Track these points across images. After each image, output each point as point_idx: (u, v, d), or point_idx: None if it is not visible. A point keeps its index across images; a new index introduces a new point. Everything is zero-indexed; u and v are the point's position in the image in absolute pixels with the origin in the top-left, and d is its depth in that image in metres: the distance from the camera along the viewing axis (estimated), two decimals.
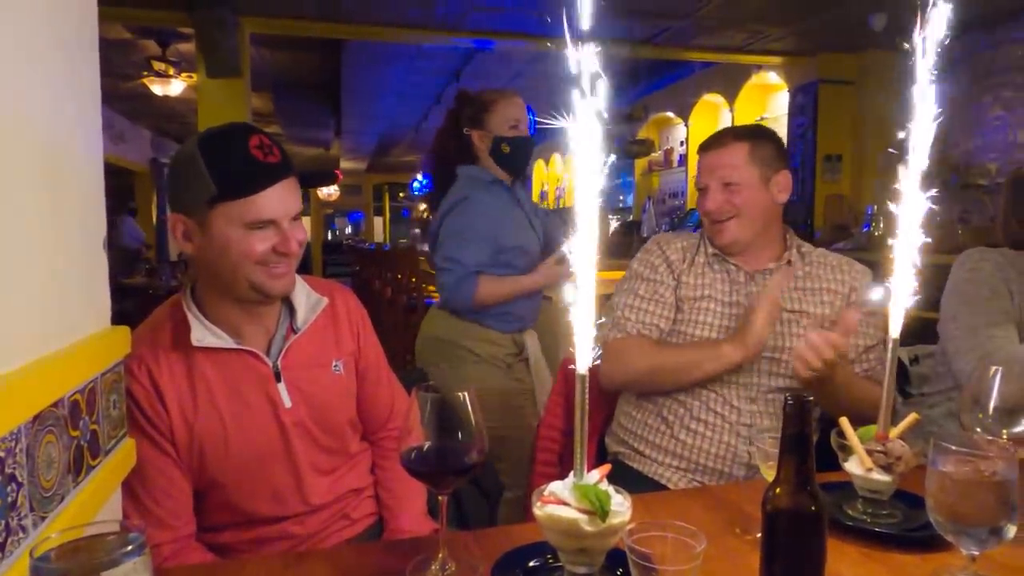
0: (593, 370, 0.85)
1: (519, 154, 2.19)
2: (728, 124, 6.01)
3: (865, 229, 4.48)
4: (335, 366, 1.24)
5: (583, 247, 0.73)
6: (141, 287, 6.51)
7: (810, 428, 0.70)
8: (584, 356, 0.76)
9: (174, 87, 5.93)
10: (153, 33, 5.26)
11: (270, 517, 1.18)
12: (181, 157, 1.10)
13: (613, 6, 3.97)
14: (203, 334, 1.11)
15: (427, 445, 0.90)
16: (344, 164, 13.24)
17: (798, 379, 1.27)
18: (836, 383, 1.28)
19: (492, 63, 5.67)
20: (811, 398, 0.70)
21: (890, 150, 0.97)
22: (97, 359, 0.93)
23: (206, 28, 3.94)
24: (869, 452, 1.00)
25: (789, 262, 1.53)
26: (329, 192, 14.33)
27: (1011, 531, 0.78)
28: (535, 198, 10.60)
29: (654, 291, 1.56)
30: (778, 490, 0.73)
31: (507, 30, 4.53)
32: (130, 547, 0.58)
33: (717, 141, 1.56)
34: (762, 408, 1.46)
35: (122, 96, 7.17)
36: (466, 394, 0.90)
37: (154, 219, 10.22)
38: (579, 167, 0.74)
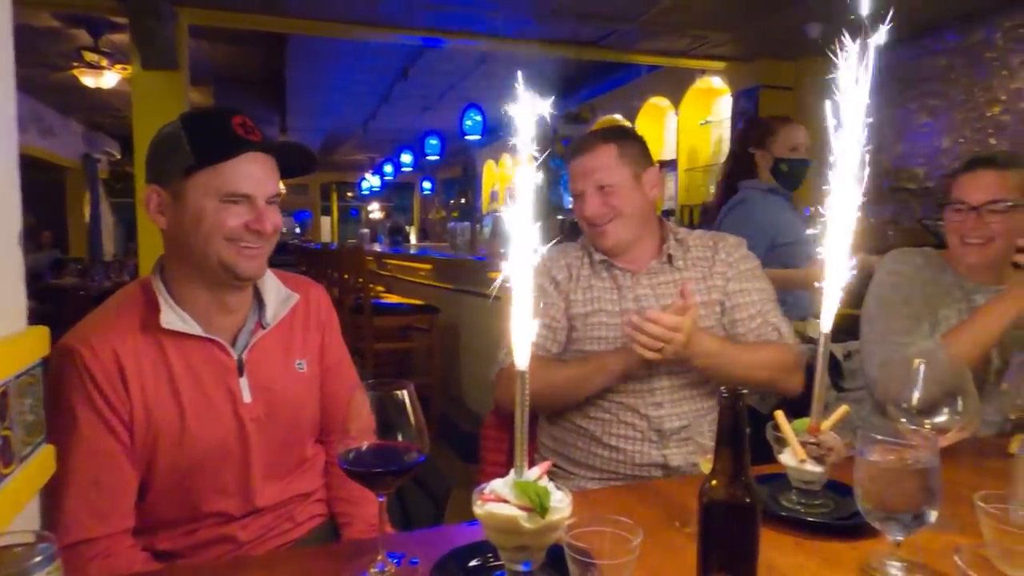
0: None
1: (795, 174, 2.61)
2: (674, 127, 6.13)
3: None
4: (299, 364, 1.23)
5: (520, 247, 0.73)
6: (71, 287, 6.23)
7: (744, 420, 0.72)
8: (523, 353, 0.76)
9: (107, 79, 5.68)
10: (84, 21, 5.03)
11: (213, 515, 1.14)
12: (163, 131, 1.12)
13: (560, 8, 4.00)
14: (172, 317, 1.09)
15: (365, 445, 0.88)
16: None
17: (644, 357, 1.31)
18: (721, 359, 1.37)
19: (441, 61, 5.64)
20: (745, 392, 0.71)
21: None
22: (10, 362, 0.88)
23: (140, 17, 3.79)
24: (803, 444, 1.02)
25: (670, 257, 1.54)
26: None
27: (933, 516, 0.82)
28: (485, 198, 10.63)
29: (544, 313, 1.55)
30: (714, 482, 0.74)
31: (455, 28, 4.51)
32: (39, 558, 0.55)
33: (585, 146, 1.54)
34: (670, 411, 1.47)
35: (51, 88, 6.83)
36: (405, 392, 0.89)
37: (87, 217, 9.77)
38: (519, 167, 0.74)
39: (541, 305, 1.54)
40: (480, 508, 0.76)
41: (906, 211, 4.20)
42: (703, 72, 5.49)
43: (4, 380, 0.85)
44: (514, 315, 0.75)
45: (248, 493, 1.16)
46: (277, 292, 1.23)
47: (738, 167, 2.69)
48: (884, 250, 1.75)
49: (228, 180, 1.07)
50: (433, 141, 8.48)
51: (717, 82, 5.56)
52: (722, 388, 0.72)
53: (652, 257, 1.56)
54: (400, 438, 0.88)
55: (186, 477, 1.10)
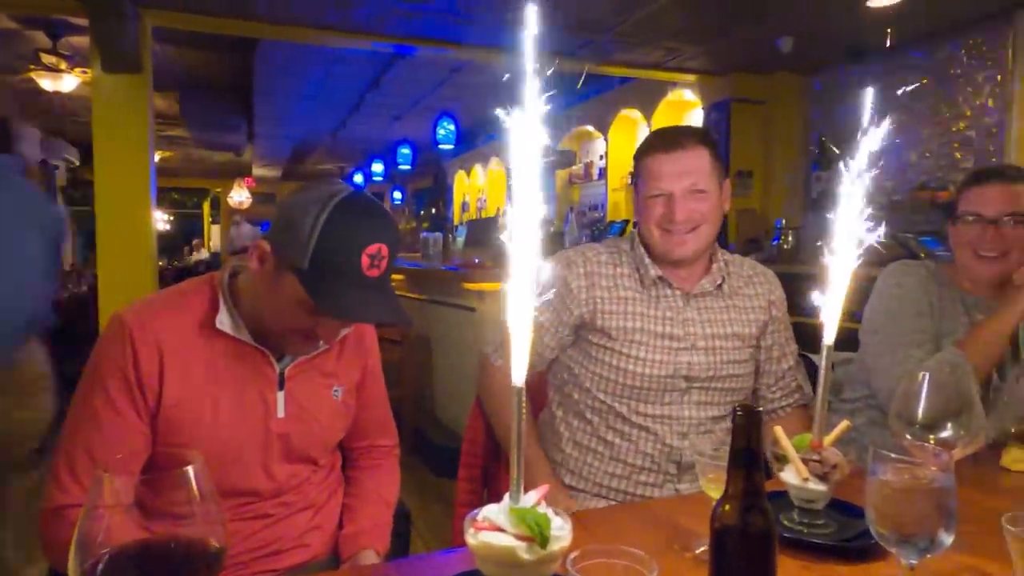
0: (529, 383, 0.79)
1: None
2: None
3: (775, 242, 4.68)
4: (335, 391, 1.24)
5: (522, 256, 0.67)
6: None
7: (760, 441, 0.67)
8: (520, 369, 0.70)
9: (66, 82, 5.48)
10: (42, 23, 4.85)
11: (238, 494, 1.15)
12: (306, 212, 1.02)
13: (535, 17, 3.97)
14: (227, 320, 1.11)
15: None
16: (257, 171, 12.72)
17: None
18: None
19: (413, 70, 5.57)
20: (760, 409, 0.66)
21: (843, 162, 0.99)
22: None
23: (101, 19, 3.65)
24: (805, 461, 0.98)
25: (721, 282, 1.47)
26: (240, 200, 13.71)
27: (949, 539, 0.78)
28: (456, 209, 10.56)
29: (556, 319, 1.46)
30: (727, 506, 0.69)
31: (429, 36, 4.45)
32: None
33: (680, 143, 1.40)
34: (694, 441, 1.41)
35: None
36: (191, 468, 0.61)
37: None
38: (517, 175, 0.68)
39: (555, 309, 1.47)
40: (474, 538, 0.69)
41: (877, 224, 4.25)
42: (675, 84, 5.53)
43: None
44: (512, 320, 0.68)
45: (252, 497, 1.17)
46: None
47: None
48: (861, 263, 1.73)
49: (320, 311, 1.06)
50: (405, 150, 8.40)
51: (689, 95, 5.60)
52: (737, 406, 0.67)
53: (702, 276, 1.47)
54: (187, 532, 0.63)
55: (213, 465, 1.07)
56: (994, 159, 3.66)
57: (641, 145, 1.47)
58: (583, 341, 1.47)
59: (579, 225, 6.63)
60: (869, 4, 3.51)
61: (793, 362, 1.51)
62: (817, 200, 4.58)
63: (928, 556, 0.79)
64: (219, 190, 14.44)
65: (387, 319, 1.10)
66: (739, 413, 0.66)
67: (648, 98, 5.91)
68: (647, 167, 1.43)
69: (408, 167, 8.61)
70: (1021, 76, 3.58)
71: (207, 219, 15.70)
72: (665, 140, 1.43)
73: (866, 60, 4.39)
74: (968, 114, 3.92)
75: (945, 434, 0.99)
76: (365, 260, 1.02)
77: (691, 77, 5.22)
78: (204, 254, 11.68)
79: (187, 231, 15.36)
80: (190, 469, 0.62)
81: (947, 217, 1.61)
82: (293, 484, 1.21)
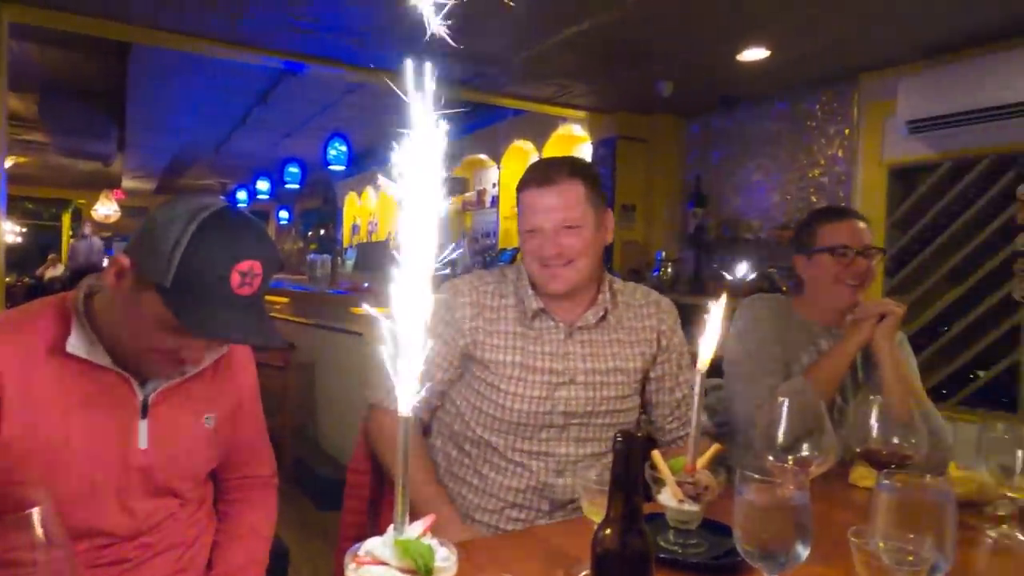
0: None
1: None
2: None
3: (655, 273, 4.93)
4: (207, 419, 1.15)
5: (412, 281, 0.67)
6: None
7: (638, 466, 0.70)
8: (407, 397, 0.69)
9: None
10: None
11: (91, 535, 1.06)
12: (169, 228, 0.96)
13: (431, 44, 4.01)
14: (80, 343, 1.03)
15: None
16: (128, 183, 11.84)
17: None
18: None
19: (304, 88, 5.44)
20: (639, 435, 0.69)
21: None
22: None
23: None
24: (680, 484, 1.03)
25: (605, 313, 1.46)
26: (107, 213, 12.67)
27: (806, 552, 0.84)
28: (346, 232, 10.32)
29: (446, 350, 1.42)
30: (608, 530, 0.71)
31: (320, 55, 4.37)
32: None
33: (551, 178, 1.39)
34: (569, 480, 1.40)
35: None
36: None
37: None
38: (414, 198, 0.68)
39: (429, 344, 1.45)
40: (354, 573, 0.67)
41: (745, 258, 4.59)
42: (565, 120, 5.74)
43: None
44: (397, 352, 0.68)
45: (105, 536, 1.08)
46: None
47: None
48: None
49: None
50: (293, 169, 8.12)
51: (579, 130, 5.84)
52: (617, 433, 0.70)
53: (587, 308, 1.46)
54: None
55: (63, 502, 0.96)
56: (843, 203, 4.07)
57: (521, 178, 1.47)
58: (467, 373, 1.46)
59: (471, 252, 6.68)
60: (739, 58, 3.84)
61: (688, 390, 1.51)
62: (694, 235, 4.89)
63: (787, 569, 0.85)
64: (83, 202, 13.31)
65: (258, 341, 1.03)
66: (619, 440, 0.69)
67: (540, 130, 6.09)
68: (522, 201, 1.43)
69: (296, 186, 8.33)
70: (864, 131, 4.03)
71: (67, 232, 14.38)
72: (537, 174, 1.42)
73: (737, 108, 4.78)
74: (822, 162, 4.35)
75: (802, 454, 1.08)
76: (236, 277, 0.96)
77: (580, 113, 5.45)
78: (60, 270, 10.66)
79: (43, 245, 13.98)
80: (35, 511, 0.55)
81: (800, 251, 1.75)
82: (155, 522, 1.11)
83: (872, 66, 3.88)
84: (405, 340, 0.68)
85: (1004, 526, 1.17)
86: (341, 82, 5.24)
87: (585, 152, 5.84)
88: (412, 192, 0.66)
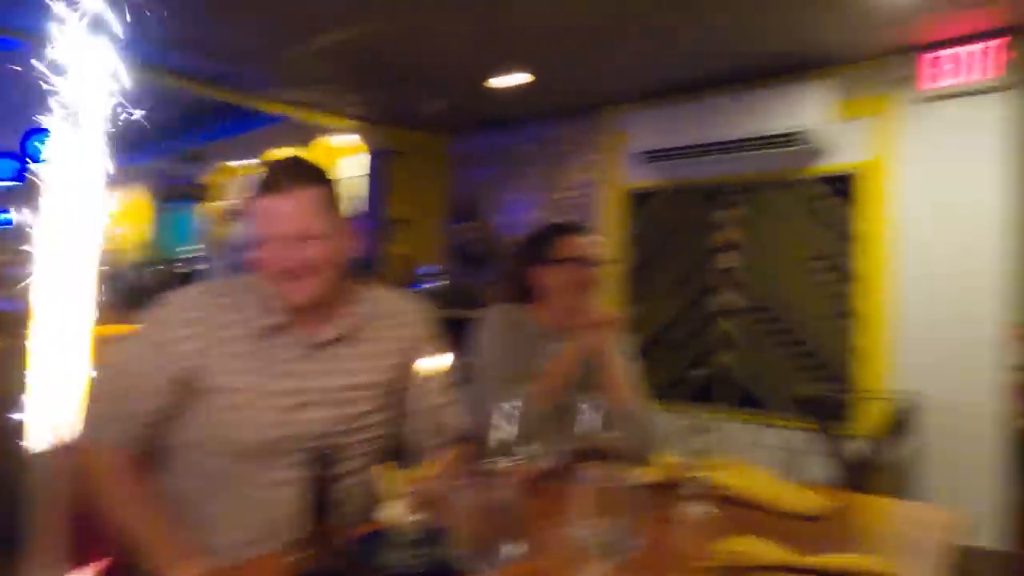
0: None
1: None
2: None
3: (421, 287, 5.00)
4: None
5: (77, 298, 0.58)
6: None
7: (329, 488, 0.68)
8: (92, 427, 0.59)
9: None
10: None
11: None
12: None
13: (169, 32, 3.61)
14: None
15: None
16: None
17: None
18: None
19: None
20: (329, 451, 0.67)
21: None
22: None
23: None
24: (408, 495, 1.03)
25: (352, 326, 1.38)
26: None
27: (521, 547, 0.89)
28: None
29: (146, 383, 1.27)
30: (305, 555, 0.68)
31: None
32: None
33: (284, 186, 1.28)
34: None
35: None
36: None
37: None
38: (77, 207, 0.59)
39: (132, 373, 1.26)
40: None
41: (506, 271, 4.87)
42: (332, 129, 5.59)
43: None
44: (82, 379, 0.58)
45: None
46: None
47: None
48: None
49: None
50: None
51: (344, 140, 5.71)
52: (307, 457, 0.67)
53: (328, 320, 1.35)
54: None
55: None
56: (589, 222, 4.52)
57: (255, 182, 1.34)
58: (194, 399, 1.29)
59: (229, 264, 6.19)
60: (488, 85, 4.12)
61: (437, 400, 1.43)
62: (459, 249, 5.07)
63: (505, 564, 0.89)
64: None
65: None
66: (309, 459, 0.66)
67: (302, 140, 5.85)
68: (256, 209, 1.31)
69: None
70: (606, 158, 4.54)
71: None
72: (270, 181, 1.30)
73: (497, 130, 5.07)
74: (572, 184, 4.80)
75: (520, 457, 1.14)
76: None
77: (351, 123, 5.33)
78: None
79: None
80: None
81: (535, 262, 1.86)
82: None
83: (611, 101, 4.42)
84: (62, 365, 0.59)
85: (691, 503, 1.34)
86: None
87: (348, 164, 5.72)
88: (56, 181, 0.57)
